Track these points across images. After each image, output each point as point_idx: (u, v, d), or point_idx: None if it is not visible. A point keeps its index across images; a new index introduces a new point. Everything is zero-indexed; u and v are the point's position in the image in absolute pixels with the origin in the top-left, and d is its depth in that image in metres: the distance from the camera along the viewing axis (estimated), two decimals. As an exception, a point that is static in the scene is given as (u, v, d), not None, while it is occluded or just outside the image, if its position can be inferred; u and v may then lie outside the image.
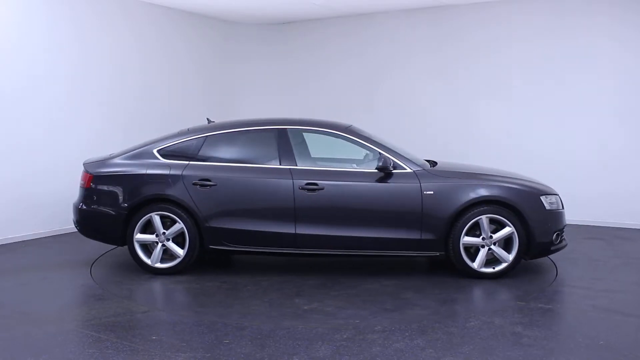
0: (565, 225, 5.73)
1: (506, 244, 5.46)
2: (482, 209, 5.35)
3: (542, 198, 5.51)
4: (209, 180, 5.54)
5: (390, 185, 5.44)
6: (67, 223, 7.66)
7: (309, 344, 3.89)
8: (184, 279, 5.54)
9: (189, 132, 5.95)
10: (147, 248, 5.71)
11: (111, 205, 5.68)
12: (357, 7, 8.98)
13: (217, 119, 9.99)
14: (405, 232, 5.41)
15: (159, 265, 5.62)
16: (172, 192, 5.55)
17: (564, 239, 5.76)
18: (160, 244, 5.59)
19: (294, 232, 5.47)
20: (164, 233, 5.56)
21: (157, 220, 5.56)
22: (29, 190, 7.20)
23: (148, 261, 5.61)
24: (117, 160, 5.89)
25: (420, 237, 5.40)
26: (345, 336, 4.04)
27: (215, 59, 9.97)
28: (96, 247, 6.78)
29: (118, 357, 3.70)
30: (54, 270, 5.84)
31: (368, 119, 8.84)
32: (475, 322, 4.30)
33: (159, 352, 3.79)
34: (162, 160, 5.73)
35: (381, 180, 5.45)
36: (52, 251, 6.68)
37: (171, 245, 5.57)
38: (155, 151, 5.79)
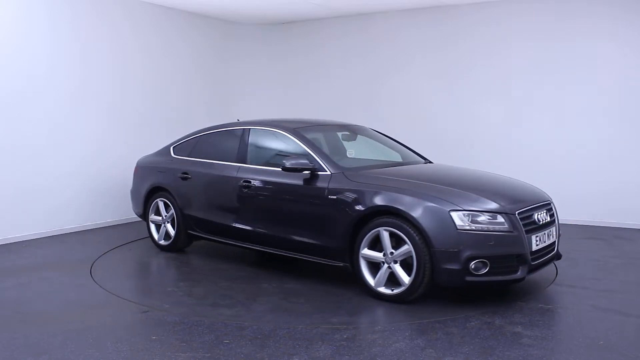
0: (519, 254, 4.52)
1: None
2: (382, 220, 4.70)
3: (454, 214, 4.47)
4: (188, 174, 6.33)
5: (304, 187, 5.22)
6: (67, 223, 7.67)
7: (309, 344, 3.89)
8: (184, 279, 5.54)
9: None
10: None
11: None
12: (357, 7, 8.97)
13: (217, 119, 10.00)
14: (313, 238, 5.16)
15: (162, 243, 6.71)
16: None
17: (520, 269, 4.55)
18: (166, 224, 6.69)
19: (233, 225, 5.84)
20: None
21: (161, 205, 6.63)
22: (29, 190, 7.20)
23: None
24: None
25: (325, 245, 5.07)
26: (345, 336, 4.03)
27: (216, 58, 9.98)
28: (96, 247, 6.79)
29: (118, 357, 3.70)
30: (54, 270, 5.84)
31: (368, 118, 8.83)
32: (475, 322, 4.30)
33: (159, 352, 3.78)
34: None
35: (305, 182, 5.23)
36: (52, 251, 6.68)
37: None
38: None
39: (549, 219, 4.99)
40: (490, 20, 8.57)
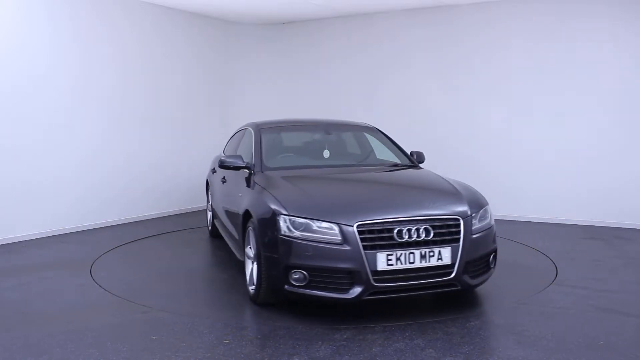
0: (351, 271, 4.06)
1: None
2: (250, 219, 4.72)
3: (280, 219, 4.24)
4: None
5: (245, 182, 5.34)
6: (67, 223, 7.67)
7: (309, 344, 3.89)
8: (183, 279, 5.54)
9: None
10: None
11: None
12: (357, 7, 8.97)
13: (217, 119, 10.01)
14: (237, 232, 5.27)
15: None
16: None
17: (354, 289, 4.10)
18: None
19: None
20: None
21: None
22: (29, 190, 7.20)
23: None
24: None
25: (238, 239, 5.22)
26: (345, 336, 4.03)
27: (216, 58, 9.98)
28: (96, 247, 6.78)
29: (118, 357, 3.69)
30: (54, 270, 5.83)
31: (368, 118, 8.84)
32: (475, 322, 4.30)
33: (159, 352, 3.78)
34: None
35: (246, 179, 5.35)
36: (52, 251, 6.68)
37: None
38: None
39: (425, 236, 4.19)
40: (490, 20, 8.56)
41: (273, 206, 4.40)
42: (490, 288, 5.19)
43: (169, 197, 9.15)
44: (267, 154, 5.60)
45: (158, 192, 8.95)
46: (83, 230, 7.78)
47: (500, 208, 8.63)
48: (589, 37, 7.93)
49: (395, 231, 4.14)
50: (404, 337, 4.01)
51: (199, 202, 9.52)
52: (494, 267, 4.77)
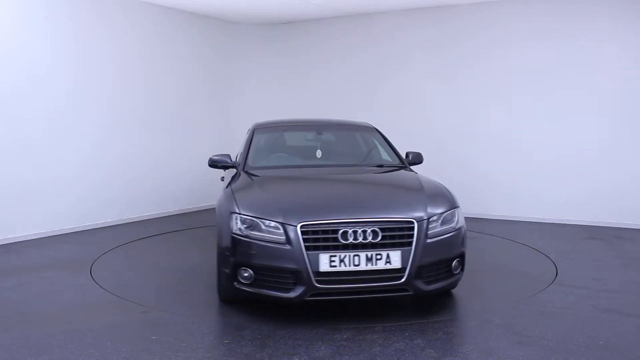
0: (293, 271, 4.07)
1: None
2: None
3: (233, 217, 4.37)
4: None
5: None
6: (67, 223, 7.67)
7: (309, 344, 3.89)
8: (183, 279, 5.54)
9: None
10: None
11: None
12: (357, 7, 8.98)
13: (217, 119, 10.01)
14: None
15: None
16: None
17: (295, 289, 4.10)
18: None
19: None
20: None
21: None
22: (29, 190, 7.20)
23: None
24: None
25: None
26: (345, 336, 4.03)
27: (216, 58, 9.98)
28: (96, 247, 6.78)
29: (118, 357, 3.69)
30: (54, 270, 5.83)
31: (368, 118, 8.84)
32: (475, 322, 4.30)
33: (159, 352, 3.78)
34: None
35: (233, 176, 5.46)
36: (52, 251, 6.68)
37: None
38: None
39: (372, 239, 4.09)
40: (490, 20, 8.57)
41: (229, 205, 4.51)
42: (491, 288, 5.19)
43: (169, 197, 9.15)
44: (255, 154, 5.66)
45: (158, 192, 8.95)
46: (83, 230, 7.78)
47: (500, 208, 8.64)
48: (589, 37, 7.93)
49: (340, 232, 4.09)
50: (404, 337, 4.01)
51: (199, 202, 9.52)
52: (459, 273, 4.55)
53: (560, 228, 7.90)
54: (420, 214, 4.30)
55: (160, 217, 8.89)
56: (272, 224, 4.18)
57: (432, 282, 4.31)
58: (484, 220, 8.47)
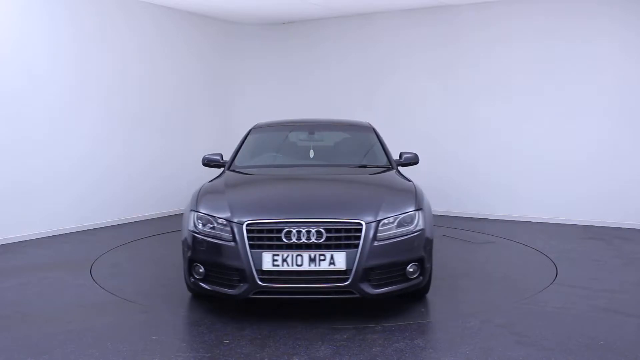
0: (237, 269, 4.14)
1: None
2: None
3: (191, 215, 4.52)
4: None
5: None
6: (67, 223, 7.67)
7: (309, 344, 3.89)
8: (183, 279, 5.53)
9: None
10: None
11: None
12: (357, 7, 8.98)
13: (217, 119, 10.01)
14: None
15: None
16: None
17: (239, 286, 4.16)
18: None
19: None
20: None
21: None
22: (29, 189, 7.20)
23: None
24: None
25: None
26: (345, 336, 4.03)
27: (216, 58, 9.98)
28: (96, 247, 6.78)
29: (118, 357, 3.69)
30: (54, 270, 5.83)
31: (367, 117, 8.84)
32: (475, 322, 4.30)
33: (159, 352, 3.78)
34: None
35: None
36: (52, 251, 6.68)
37: None
38: None
39: (316, 239, 4.09)
40: (490, 20, 8.57)
41: (192, 202, 4.68)
42: (491, 288, 5.19)
43: (169, 197, 9.15)
44: (245, 153, 5.75)
45: (158, 192, 8.96)
46: (83, 230, 7.78)
47: (500, 208, 8.64)
48: (589, 37, 7.93)
49: (284, 232, 4.11)
50: (404, 337, 4.01)
51: (199, 202, 9.51)
52: (416, 278, 4.36)
53: (560, 228, 7.90)
54: (370, 215, 4.23)
55: (160, 217, 8.89)
56: (223, 222, 4.29)
57: (381, 285, 4.21)
58: (483, 220, 8.47)
